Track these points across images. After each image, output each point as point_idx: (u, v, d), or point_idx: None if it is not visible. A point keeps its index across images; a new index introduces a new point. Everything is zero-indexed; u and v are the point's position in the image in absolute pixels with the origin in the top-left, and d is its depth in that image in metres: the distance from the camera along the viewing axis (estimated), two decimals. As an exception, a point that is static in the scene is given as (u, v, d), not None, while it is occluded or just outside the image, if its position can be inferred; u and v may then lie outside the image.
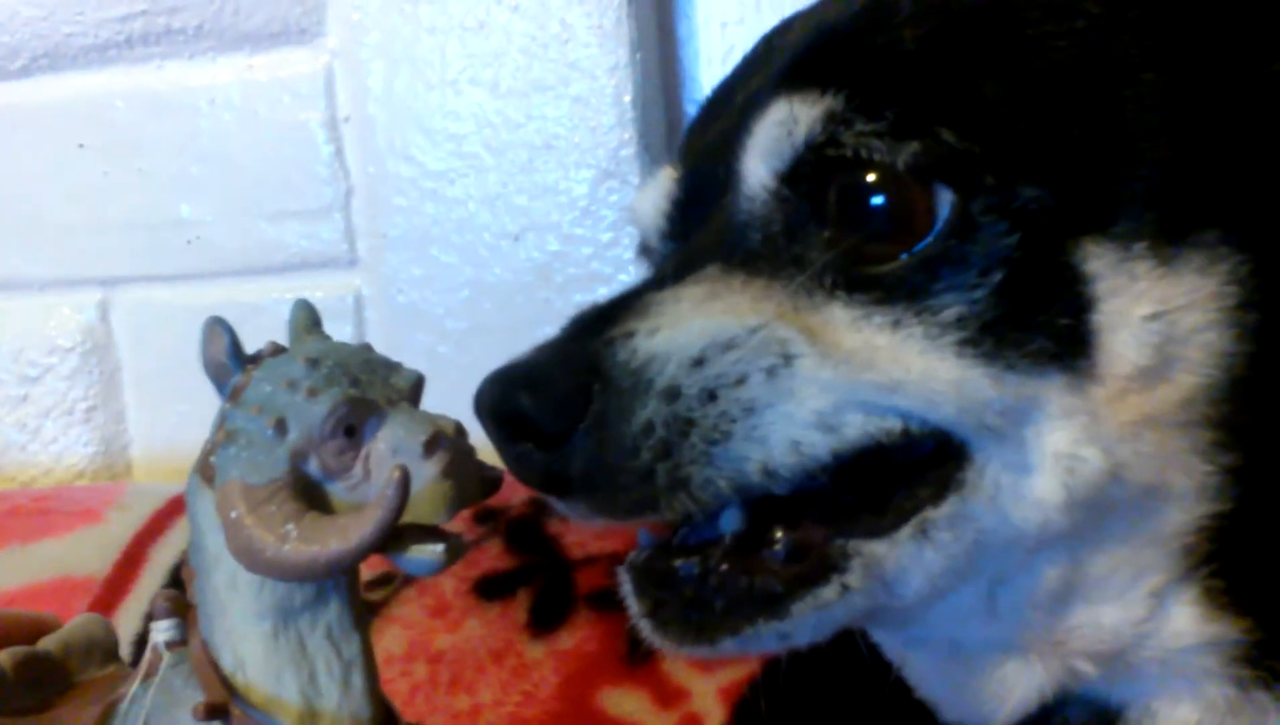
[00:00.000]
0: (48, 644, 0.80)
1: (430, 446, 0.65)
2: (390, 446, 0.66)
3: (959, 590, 0.70)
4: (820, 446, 0.66)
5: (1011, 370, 0.66)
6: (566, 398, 0.68)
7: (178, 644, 0.73)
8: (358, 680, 0.70)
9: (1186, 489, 0.69)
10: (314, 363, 0.68)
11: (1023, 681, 0.74)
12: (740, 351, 0.67)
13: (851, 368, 0.66)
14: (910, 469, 0.68)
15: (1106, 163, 0.68)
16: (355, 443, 0.67)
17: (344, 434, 0.66)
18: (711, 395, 0.66)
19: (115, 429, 1.68)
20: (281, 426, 0.66)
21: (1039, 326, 0.66)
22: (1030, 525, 0.68)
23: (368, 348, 0.70)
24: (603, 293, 1.42)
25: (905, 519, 0.68)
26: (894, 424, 0.66)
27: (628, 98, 1.40)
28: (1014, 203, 0.66)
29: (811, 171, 0.70)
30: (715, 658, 0.73)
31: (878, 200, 0.68)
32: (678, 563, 0.70)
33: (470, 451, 0.67)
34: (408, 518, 0.65)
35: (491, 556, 1.20)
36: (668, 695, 1.07)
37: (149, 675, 0.73)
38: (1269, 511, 0.70)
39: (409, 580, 1.19)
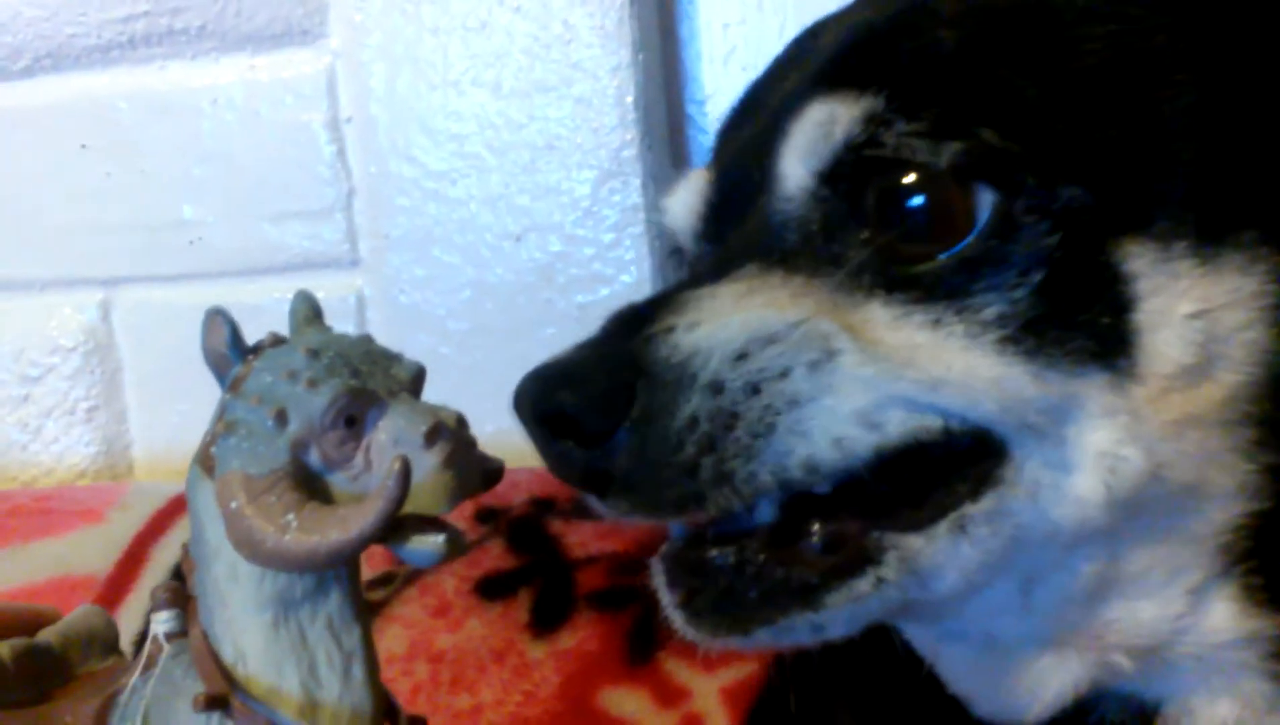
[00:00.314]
0: (47, 636, 0.80)
1: (431, 437, 0.65)
2: (391, 437, 0.66)
3: (994, 585, 0.70)
4: (862, 443, 0.66)
5: (1052, 369, 0.66)
6: (609, 395, 0.67)
7: (178, 635, 0.73)
8: (358, 672, 0.70)
9: (1227, 487, 0.69)
10: (315, 353, 0.68)
11: (1058, 676, 0.74)
12: (783, 346, 0.67)
13: (892, 365, 0.66)
14: (948, 465, 0.68)
15: (1146, 163, 0.68)
16: (356, 433, 0.67)
17: (345, 424, 0.67)
18: (755, 389, 0.66)
19: (117, 429, 1.68)
20: (282, 417, 0.66)
21: (1080, 325, 0.67)
22: (1069, 523, 0.68)
23: (368, 339, 0.70)
24: (605, 293, 1.42)
25: (943, 514, 0.68)
26: (934, 422, 0.67)
27: (630, 98, 1.41)
28: (1055, 203, 0.67)
29: (851, 171, 0.70)
30: (748, 649, 0.73)
31: (917, 200, 0.68)
32: (713, 553, 0.70)
33: (471, 442, 0.68)
34: (409, 508, 0.65)
35: (493, 556, 1.21)
36: (669, 695, 1.07)
37: (149, 666, 0.73)
38: None
39: (410, 580, 1.19)
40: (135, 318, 1.65)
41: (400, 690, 1.07)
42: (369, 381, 0.67)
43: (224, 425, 0.68)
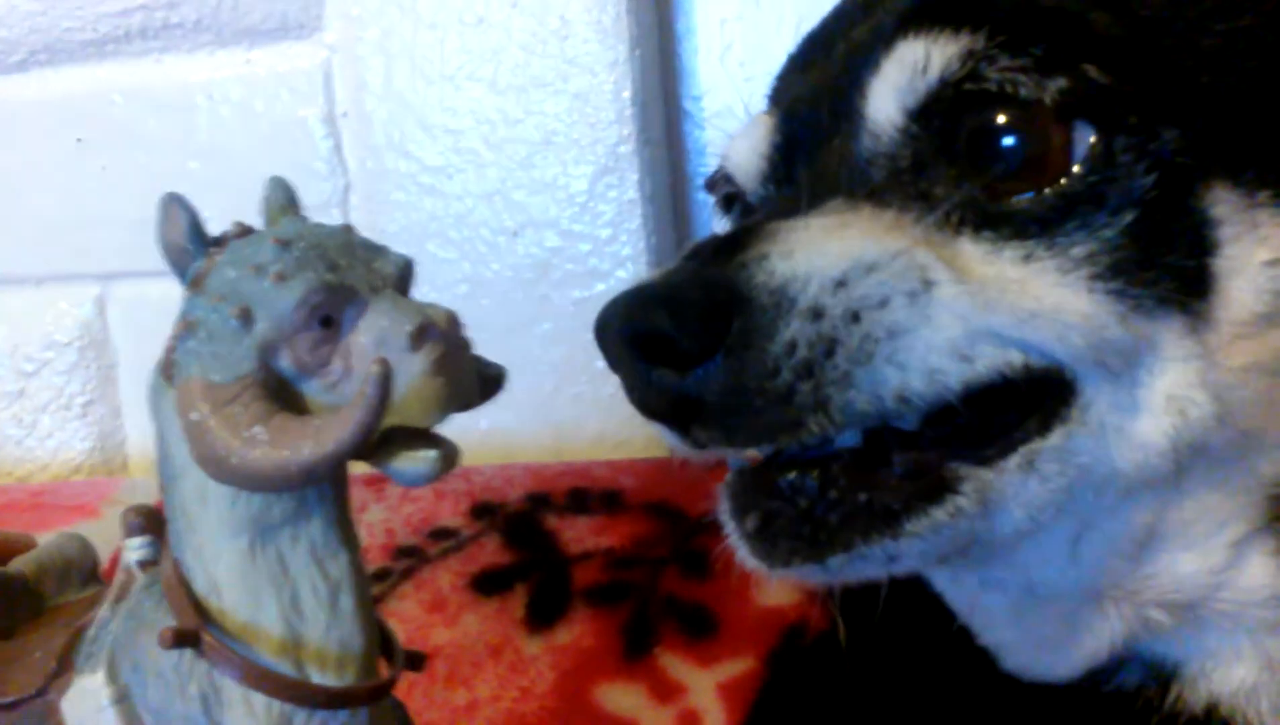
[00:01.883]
0: (20, 565, 0.74)
1: (418, 338, 0.59)
2: (372, 338, 0.59)
3: (1050, 530, 0.70)
4: (954, 376, 0.65)
5: (1135, 310, 0.67)
6: (706, 316, 0.65)
7: (150, 564, 0.67)
8: (346, 603, 0.63)
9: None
10: (285, 245, 0.61)
11: (1094, 632, 0.74)
12: (883, 274, 0.66)
13: (986, 298, 0.66)
14: (1020, 400, 0.68)
15: (1239, 110, 0.69)
16: (332, 335, 0.60)
17: (319, 324, 0.59)
18: (855, 317, 0.65)
19: (112, 424, 1.68)
20: (247, 316, 0.59)
21: (1164, 268, 0.67)
22: (1130, 466, 0.68)
23: (348, 229, 0.63)
24: (601, 289, 1.42)
25: (1013, 449, 0.67)
26: (1017, 357, 0.66)
27: (627, 94, 1.40)
28: (1153, 143, 0.67)
29: (946, 108, 0.70)
30: (815, 579, 0.70)
31: (1014, 137, 0.68)
32: (790, 476, 0.68)
33: (465, 344, 0.61)
34: (394, 420, 0.59)
35: (489, 552, 1.20)
36: (665, 690, 1.07)
37: (121, 597, 0.67)
38: None
39: (406, 575, 1.19)
40: (130, 312, 1.64)
41: (396, 686, 1.07)
42: (347, 276, 0.60)
43: (184, 325, 0.61)
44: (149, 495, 1.33)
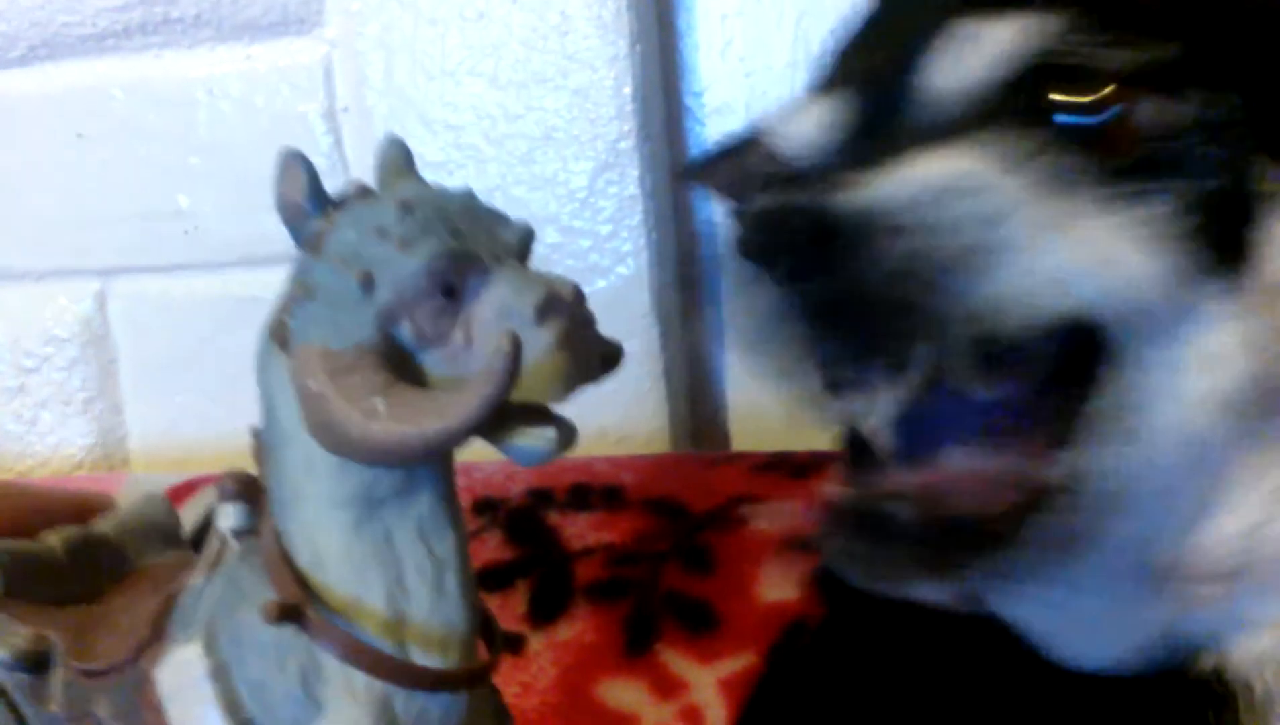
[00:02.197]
0: (103, 526, 0.72)
1: (544, 311, 0.57)
2: (497, 310, 0.57)
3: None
4: (1048, 307, 0.66)
5: (1184, 272, 0.68)
6: (816, 226, 0.65)
7: (247, 533, 0.64)
8: (452, 583, 0.61)
9: None
10: (408, 208, 0.58)
11: (1147, 610, 0.73)
12: (982, 197, 0.67)
13: (1069, 241, 0.67)
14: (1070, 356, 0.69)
15: None
16: (455, 304, 0.57)
17: (442, 294, 0.57)
18: (956, 230, 0.66)
19: (113, 420, 1.68)
20: (369, 282, 0.57)
21: (1214, 235, 0.69)
22: (1176, 427, 0.69)
23: (470, 194, 0.61)
24: (602, 286, 1.42)
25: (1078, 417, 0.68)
26: (1084, 307, 0.67)
27: (627, 90, 1.40)
28: (1215, 115, 0.69)
29: (1020, 81, 0.71)
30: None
31: (1086, 107, 0.70)
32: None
33: (590, 320, 0.59)
34: (516, 395, 0.56)
35: (490, 548, 1.20)
36: (667, 686, 1.07)
37: (214, 566, 0.65)
38: None
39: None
40: (131, 308, 1.64)
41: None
42: (471, 243, 0.58)
43: (301, 288, 0.59)
44: (151, 491, 1.34)
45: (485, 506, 1.24)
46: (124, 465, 1.68)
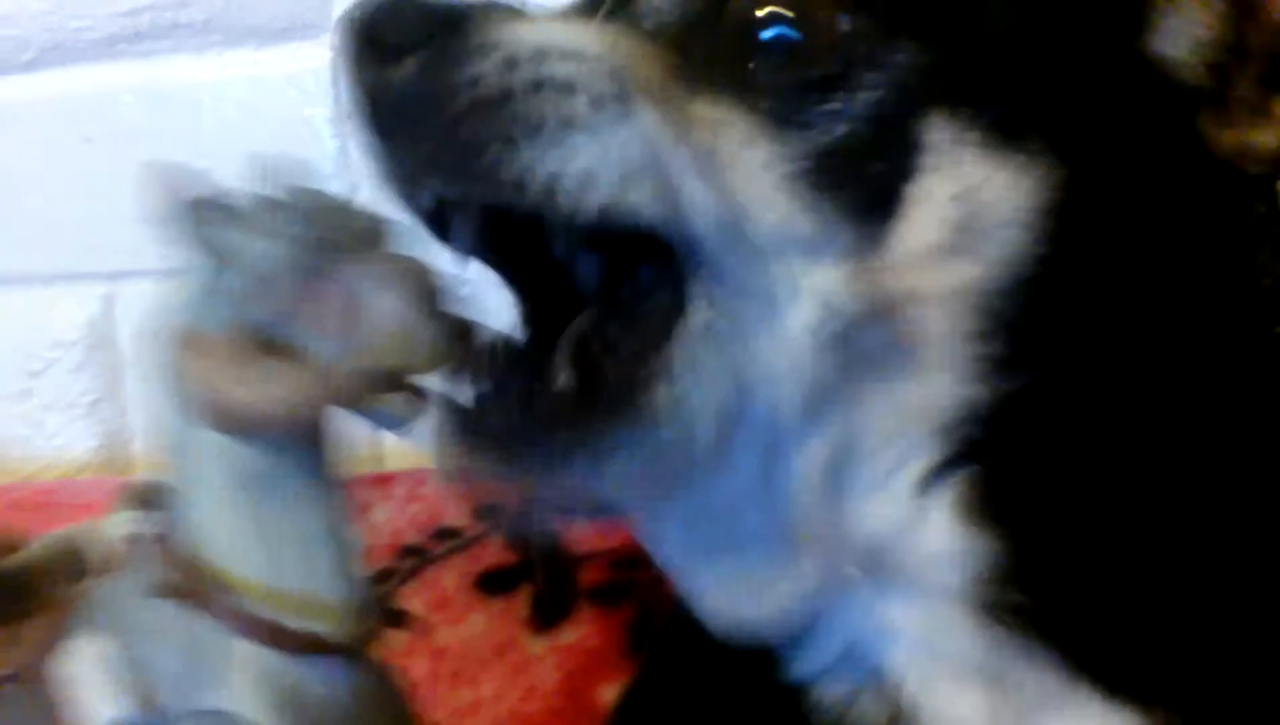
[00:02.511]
0: (16, 560, 0.76)
1: (398, 288, 0.62)
2: (353, 289, 0.62)
3: (737, 455, 0.69)
4: (609, 193, 0.64)
5: (816, 210, 0.66)
6: (418, 24, 0.66)
7: (142, 537, 0.68)
8: (325, 556, 0.65)
9: (945, 363, 0.69)
10: (270, 202, 0.65)
11: (791, 575, 0.72)
12: (582, 65, 0.65)
13: (687, 139, 0.65)
14: (653, 261, 0.67)
15: (972, 46, 0.70)
16: (315, 285, 0.63)
17: (302, 276, 0.62)
18: (538, 87, 0.64)
19: (118, 423, 1.68)
20: (231, 268, 0.62)
21: (862, 179, 0.67)
22: (784, 361, 0.67)
23: (321, 192, 0.67)
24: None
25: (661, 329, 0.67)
26: (675, 216, 0.65)
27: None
28: (893, 55, 0.67)
29: None
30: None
31: (781, 20, 0.69)
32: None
33: (437, 292, 0.64)
34: (373, 363, 0.61)
35: (494, 552, 1.21)
36: (669, 691, 1.08)
37: (109, 571, 0.69)
38: (1029, 418, 0.70)
39: (411, 574, 1.19)
40: (138, 312, 1.64)
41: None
42: (330, 231, 0.64)
43: (179, 281, 0.65)
44: (155, 494, 1.34)
45: (489, 511, 1.24)
46: (129, 468, 1.68)
